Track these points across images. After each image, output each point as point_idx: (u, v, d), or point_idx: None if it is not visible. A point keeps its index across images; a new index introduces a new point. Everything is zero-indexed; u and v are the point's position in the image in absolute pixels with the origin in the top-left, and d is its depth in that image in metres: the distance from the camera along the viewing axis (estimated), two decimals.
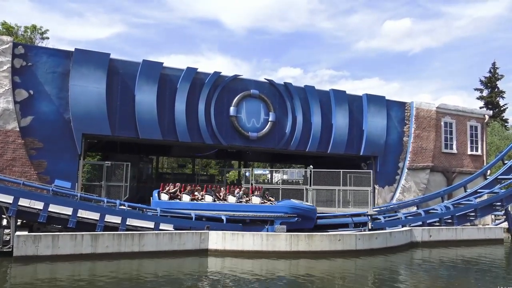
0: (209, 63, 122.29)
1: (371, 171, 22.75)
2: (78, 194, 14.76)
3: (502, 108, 49.21)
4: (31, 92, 16.31)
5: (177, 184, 17.84)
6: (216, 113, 19.70)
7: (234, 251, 14.05)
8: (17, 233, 12.55)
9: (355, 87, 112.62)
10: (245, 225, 16.58)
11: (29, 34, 31.06)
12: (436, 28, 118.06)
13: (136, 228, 14.39)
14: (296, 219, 17.27)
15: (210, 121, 19.54)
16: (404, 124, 24.42)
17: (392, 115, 23.98)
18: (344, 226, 18.75)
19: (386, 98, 23.84)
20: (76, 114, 16.71)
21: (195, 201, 17.04)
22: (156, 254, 13.41)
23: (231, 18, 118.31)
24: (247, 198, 17.98)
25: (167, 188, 17.41)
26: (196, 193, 17.46)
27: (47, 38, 32.04)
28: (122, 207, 14.82)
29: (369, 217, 18.56)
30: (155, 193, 17.22)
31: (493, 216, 24.34)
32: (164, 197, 16.86)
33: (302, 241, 14.42)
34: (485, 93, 49.78)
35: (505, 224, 22.51)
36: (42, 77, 16.51)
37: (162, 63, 18.76)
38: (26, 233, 12.74)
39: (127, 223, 14.22)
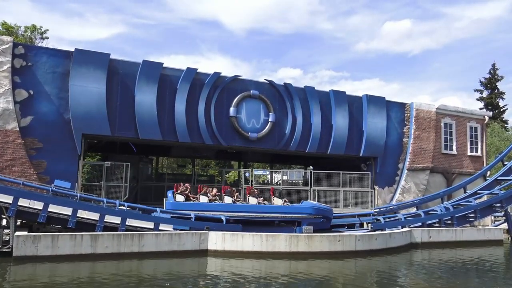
0: (209, 64, 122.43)
1: (369, 173, 22.88)
2: (77, 194, 14.75)
3: (502, 109, 49.31)
4: (31, 92, 16.31)
5: (187, 184, 17.72)
6: (216, 113, 19.71)
7: (234, 252, 14.03)
8: (17, 233, 12.54)
9: (355, 88, 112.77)
10: (272, 226, 16.46)
11: (29, 34, 31.07)
12: (436, 29, 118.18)
13: (136, 229, 14.38)
14: (321, 219, 17.26)
15: (210, 121, 19.54)
16: (404, 125, 24.43)
17: (392, 116, 23.99)
18: (350, 226, 18.91)
19: (386, 99, 23.86)
20: (76, 114, 16.71)
21: (213, 202, 16.74)
22: (156, 255, 13.40)
23: (231, 19, 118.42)
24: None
25: (181, 189, 17.09)
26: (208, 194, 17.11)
27: (47, 38, 32.08)
28: (122, 207, 14.81)
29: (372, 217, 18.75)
30: (170, 194, 16.83)
31: (492, 217, 24.32)
32: (180, 198, 16.48)
33: (302, 242, 14.40)
34: (485, 94, 49.87)
35: (504, 225, 22.49)
36: (42, 77, 16.51)
37: (162, 63, 18.77)
38: (25, 233, 12.72)
39: (126, 223, 14.21)
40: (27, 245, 12.17)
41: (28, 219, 13.91)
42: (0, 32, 28.38)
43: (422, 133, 24.55)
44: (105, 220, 13.87)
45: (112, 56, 17.66)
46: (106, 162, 18.29)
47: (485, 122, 27.45)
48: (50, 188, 14.04)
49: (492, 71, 49.65)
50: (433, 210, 20.31)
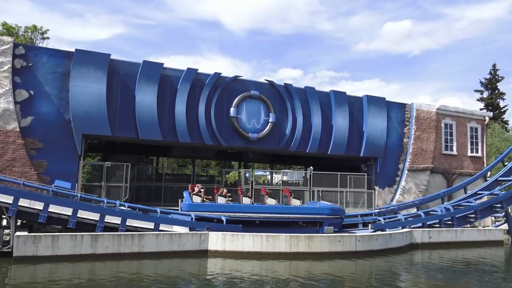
0: (209, 64, 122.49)
1: (365, 174, 22.89)
2: (78, 194, 14.77)
3: (502, 110, 49.32)
4: (32, 92, 16.32)
5: (198, 185, 17.67)
6: (216, 114, 19.71)
7: (234, 252, 14.03)
8: (17, 233, 12.55)
9: (355, 89, 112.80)
10: (290, 227, 16.35)
11: (29, 34, 31.09)
12: (436, 29, 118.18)
13: (136, 229, 14.38)
14: (340, 220, 17.27)
15: (210, 122, 19.54)
16: (404, 126, 24.42)
17: (392, 116, 23.99)
18: (353, 225, 19.03)
19: (386, 99, 23.86)
20: (76, 114, 16.72)
21: (232, 203, 16.56)
22: (156, 255, 13.40)
23: (231, 19, 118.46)
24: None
25: (196, 190, 16.86)
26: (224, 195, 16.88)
27: (48, 38, 32.10)
28: (122, 207, 14.80)
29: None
30: (186, 195, 16.51)
31: (493, 218, 24.31)
32: (197, 198, 16.25)
33: (302, 242, 14.40)
34: (485, 94, 49.88)
35: (505, 226, 22.48)
36: (42, 78, 16.53)
37: (163, 63, 18.77)
38: (26, 233, 12.73)
39: (126, 223, 14.21)
40: (27, 245, 12.18)
41: (29, 219, 13.92)
42: (1, 32, 28.40)
43: (422, 134, 24.54)
44: (105, 220, 13.88)
45: (112, 57, 17.68)
46: (106, 163, 18.30)
47: (486, 122, 27.44)
48: (51, 188, 14.04)
49: (492, 72, 49.66)
50: (433, 210, 20.30)
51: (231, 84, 20.22)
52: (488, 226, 23.45)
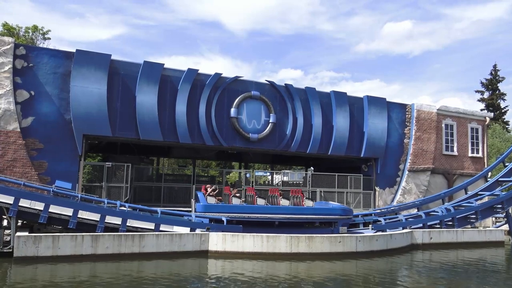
0: (210, 65, 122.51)
1: (361, 175, 22.88)
2: (78, 195, 14.77)
3: (503, 110, 49.29)
4: (32, 92, 16.34)
5: (208, 185, 17.59)
6: (216, 114, 19.71)
7: (235, 253, 14.02)
8: (18, 233, 12.55)
9: (356, 89, 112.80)
10: (303, 228, 16.34)
11: (30, 34, 31.12)
12: (436, 30, 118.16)
13: (136, 229, 14.38)
14: (350, 220, 17.30)
15: (210, 122, 19.55)
16: (405, 126, 24.42)
17: (393, 117, 23.99)
18: (353, 225, 19.18)
19: (387, 100, 23.86)
20: (77, 115, 16.74)
21: (246, 204, 16.45)
22: (156, 255, 13.41)
23: (232, 20, 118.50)
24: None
25: (209, 190, 16.74)
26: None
27: (49, 38, 32.14)
28: (123, 208, 14.80)
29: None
30: (201, 196, 16.35)
31: (494, 219, 24.29)
32: (211, 200, 16.13)
33: (303, 243, 14.39)
34: (486, 95, 49.85)
35: (506, 227, 22.47)
36: (43, 78, 16.54)
37: (163, 64, 18.78)
38: (26, 233, 12.74)
39: (127, 224, 14.21)
40: (28, 246, 12.18)
41: (29, 219, 13.93)
42: (2, 33, 28.43)
43: (423, 134, 24.53)
44: (105, 220, 13.88)
45: (113, 57, 17.69)
46: (107, 163, 18.30)
47: (486, 123, 27.42)
48: (51, 189, 14.05)
49: (493, 72, 49.65)
50: (434, 211, 20.27)
51: (231, 84, 20.22)
52: (489, 227, 23.43)
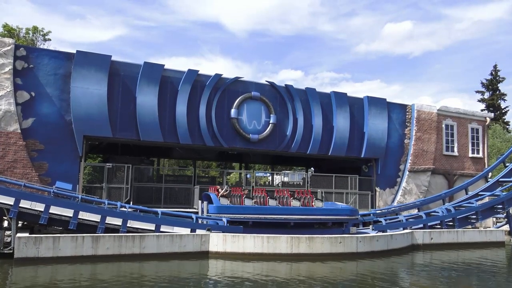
0: (210, 65, 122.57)
1: (357, 175, 22.86)
2: (79, 196, 14.75)
3: (503, 111, 49.25)
4: (33, 94, 16.35)
5: (218, 186, 17.54)
6: (217, 115, 19.72)
7: (235, 254, 14.01)
8: (18, 234, 12.55)
9: (356, 90, 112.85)
10: (312, 228, 16.30)
11: (30, 36, 31.15)
12: (437, 30, 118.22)
13: (137, 230, 14.37)
14: (357, 220, 17.30)
15: (211, 123, 19.55)
16: (405, 127, 24.41)
17: (393, 117, 23.98)
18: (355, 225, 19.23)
19: (387, 100, 23.85)
20: (77, 116, 16.75)
21: (259, 205, 16.43)
22: (157, 256, 13.40)
23: (233, 21, 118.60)
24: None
25: (221, 191, 16.71)
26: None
27: (49, 39, 32.15)
28: (123, 209, 14.79)
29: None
30: (214, 197, 16.22)
31: (494, 219, 24.28)
32: (224, 201, 16.09)
33: (303, 244, 14.37)
34: (486, 95, 49.82)
35: (506, 227, 22.46)
36: (43, 79, 16.55)
37: (163, 65, 18.79)
38: (27, 234, 12.73)
39: (127, 225, 14.21)
40: (28, 247, 12.18)
41: (30, 220, 13.92)
42: (2, 34, 28.46)
43: (423, 135, 24.52)
44: (106, 221, 13.88)
45: (113, 58, 17.69)
46: (107, 164, 18.30)
47: (487, 123, 27.41)
48: (52, 190, 14.03)
49: (493, 73, 49.61)
50: (434, 211, 20.27)
51: (231, 85, 20.22)
52: (490, 227, 23.41)
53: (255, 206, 16.29)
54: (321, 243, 14.56)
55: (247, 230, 14.95)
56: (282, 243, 14.26)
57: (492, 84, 49.30)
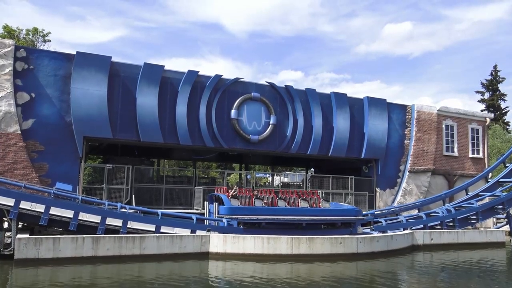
0: (211, 66, 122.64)
1: (353, 176, 22.82)
2: (79, 197, 14.76)
3: (503, 111, 49.24)
4: (33, 95, 16.36)
5: (224, 187, 17.58)
6: (217, 116, 19.72)
7: (235, 254, 14.01)
8: (18, 235, 12.55)
9: (356, 90, 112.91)
10: (320, 229, 16.26)
11: (30, 37, 31.17)
12: (436, 31, 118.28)
13: (137, 231, 14.37)
14: (363, 220, 17.34)
15: (211, 124, 19.55)
16: (405, 127, 24.42)
17: (393, 118, 23.99)
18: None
19: (387, 101, 23.86)
20: (77, 116, 16.75)
21: (268, 206, 16.37)
22: (157, 257, 13.40)
23: (233, 22, 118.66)
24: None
25: (231, 192, 16.66)
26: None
27: (49, 41, 32.18)
28: (123, 209, 14.79)
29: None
30: (225, 198, 16.05)
31: (494, 219, 24.26)
32: (235, 202, 15.98)
33: (303, 244, 14.36)
34: (486, 96, 49.81)
35: (506, 227, 22.45)
36: (43, 80, 16.56)
37: (163, 66, 18.80)
38: (27, 235, 12.73)
39: (128, 226, 14.20)
40: (28, 248, 12.17)
41: (30, 221, 13.91)
42: (2, 35, 28.48)
43: (423, 135, 24.52)
44: (106, 222, 13.87)
45: (113, 59, 17.70)
46: (107, 165, 18.29)
47: (487, 124, 27.42)
48: (52, 191, 14.04)
49: (493, 73, 49.61)
50: (434, 212, 20.26)
51: (232, 86, 20.23)
52: (490, 228, 23.40)
53: (267, 207, 16.21)
54: (321, 244, 14.55)
55: (260, 231, 14.85)
56: (282, 244, 14.25)
57: (492, 85, 49.30)
